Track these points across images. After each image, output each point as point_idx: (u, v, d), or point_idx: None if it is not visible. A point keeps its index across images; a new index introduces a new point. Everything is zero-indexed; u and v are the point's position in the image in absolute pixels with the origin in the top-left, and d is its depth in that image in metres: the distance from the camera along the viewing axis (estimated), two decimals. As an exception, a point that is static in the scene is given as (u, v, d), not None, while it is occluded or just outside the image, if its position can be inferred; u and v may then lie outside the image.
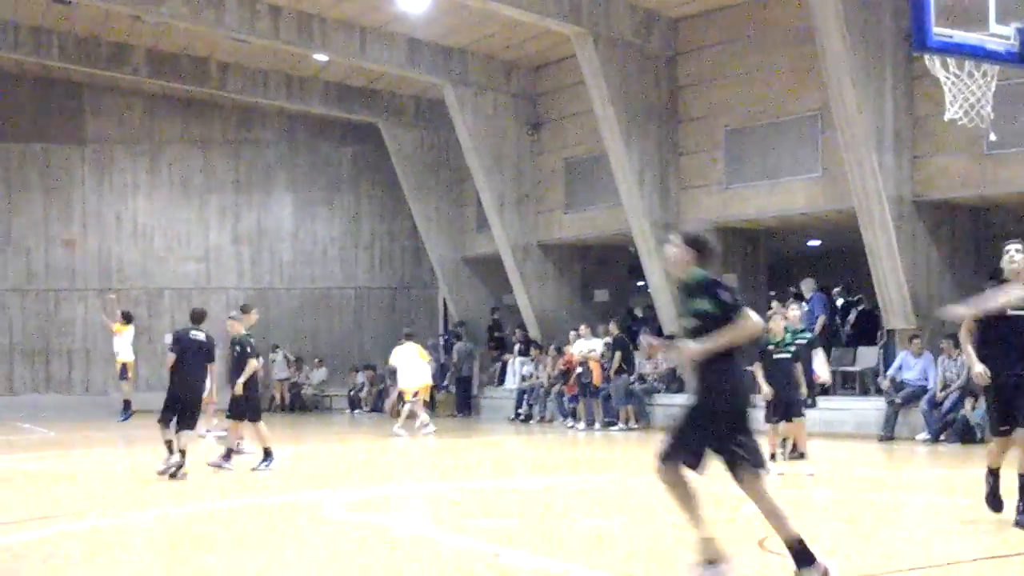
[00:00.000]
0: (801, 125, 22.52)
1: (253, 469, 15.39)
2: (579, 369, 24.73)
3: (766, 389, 14.22)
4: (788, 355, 14.46)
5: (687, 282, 7.24)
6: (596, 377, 24.49)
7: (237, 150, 34.99)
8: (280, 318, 34.94)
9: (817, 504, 11.94)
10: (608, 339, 25.10)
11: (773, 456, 14.19)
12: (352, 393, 32.96)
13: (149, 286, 34.38)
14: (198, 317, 15.71)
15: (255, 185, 35.21)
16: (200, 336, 15.22)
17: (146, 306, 34.27)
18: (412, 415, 22.97)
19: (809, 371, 15.35)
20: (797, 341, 14.86)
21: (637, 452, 18.95)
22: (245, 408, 15.71)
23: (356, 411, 32.32)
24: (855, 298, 24.78)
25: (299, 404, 33.80)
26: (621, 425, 23.98)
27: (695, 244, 7.32)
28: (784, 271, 27.90)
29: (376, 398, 31.92)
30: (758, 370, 14.31)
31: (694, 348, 6.96)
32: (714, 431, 6.92)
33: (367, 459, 18.54)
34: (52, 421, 28.46)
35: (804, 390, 14.77)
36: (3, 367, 33.35)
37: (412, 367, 23.03)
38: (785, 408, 14.34)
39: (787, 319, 15.05)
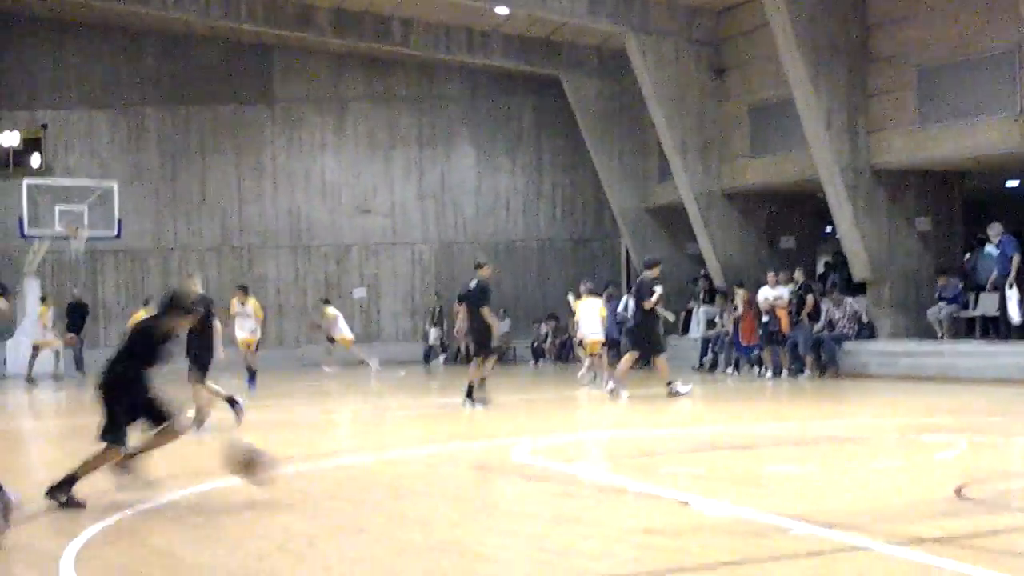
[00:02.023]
0: (997, 62, 21.52)
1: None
2: (766, 318, 24.26)
3: None
4: None
5: None
6: (783, 325, 24.01)
7: (420, 106, 35.30)
8: (464, 272, 35.20)
9: None
10: (795, 286, 24.56)
11: None
12: (535, 344, 33.08)
13: (337, 243, 35.05)
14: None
15: (438, 140, 35.50)
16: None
17: (335, 262, 35.01)
18: (595, 367, 23.03)
19: None
20: None
21: (822, 400, 18.52)
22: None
23: (540, 361, 32.43)
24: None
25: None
26: (808, 372, 23.48)
27: None
28: (981, 214, 26.79)
29: (559, 348, 31.98)
30: None
31: None
32: None
33: (552, 409, 18.56)
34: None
35: None
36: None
37: (590, 322, 22.87)
38: None
39: None
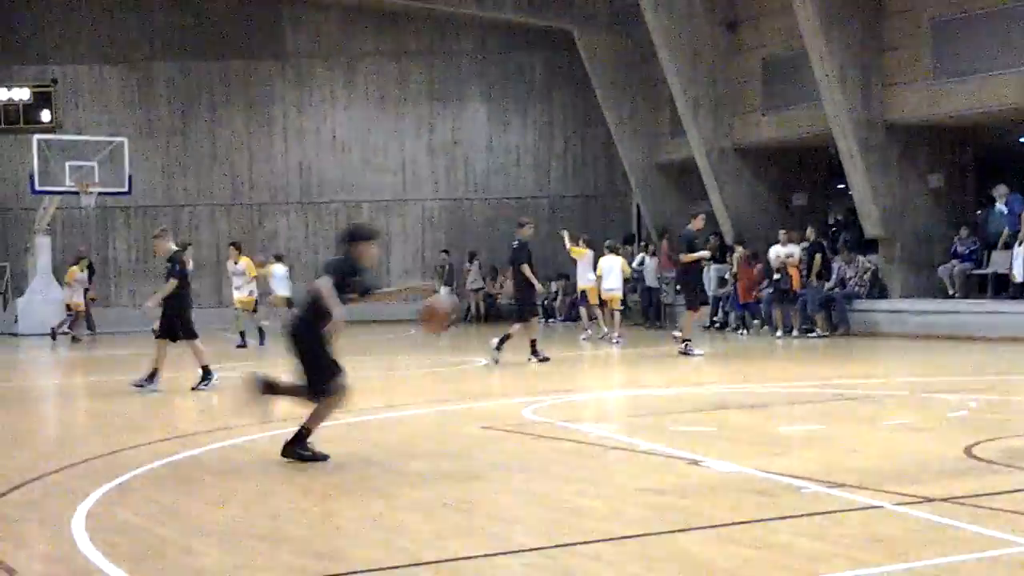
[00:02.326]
0: (1011, 16, 21.32)
1: (193, 388, 14.91)
2: (777, 275, 24.21)
3: None
4: None
5: None
6: (795, 283, 23.96)
7: (431, 61, 35.14)
8: (475, 228, 35.22)
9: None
10: (806, 244, 24.51)
11: None
12: (546, 302, 33.03)
13: (348, 199, 35.01)
14: None
15: (449, 96, 35.35)
16: None
17: (345, 218, 34.93)
18: (592, 318, 23.45)
19: None
20: None
21: (833, 359, 18.49)
22: (178, 327, 15.17)
23: (550, 320, 32.41)
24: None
25: (494, 314, 34.08)
26: (818, 331, 23.45)
27: None
28: (994, 170, 26.64)
29: (570, 307, 31.94)
30: None
31: None
32: None
33: (562, 368, 18.57)
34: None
35: None
36: (214, 280, 34.49)
37: (613, 278, 23.27)
38: None
39: None
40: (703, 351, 19.29)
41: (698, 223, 19.68)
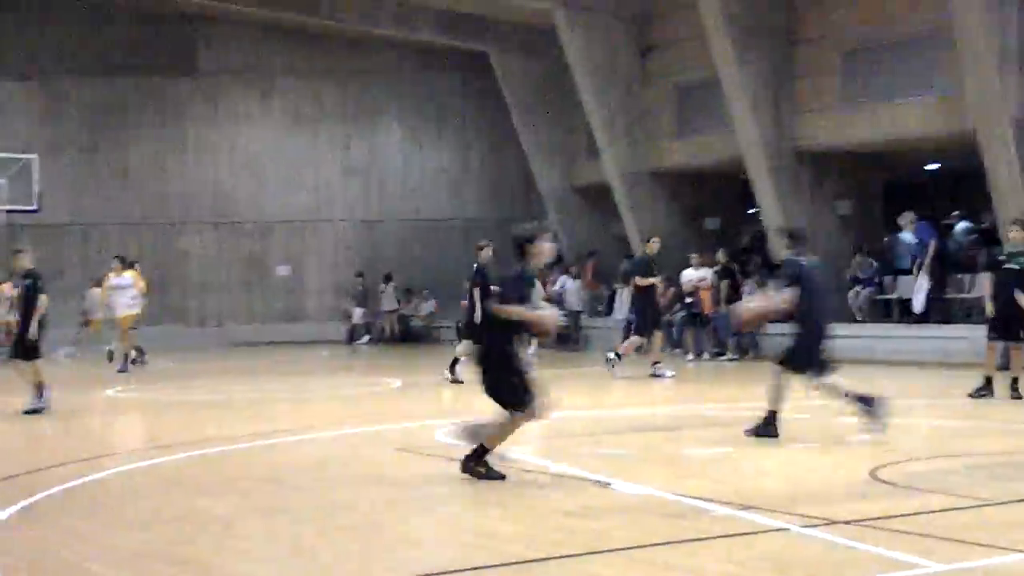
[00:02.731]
0: (919, 45, 21.79)
1: (26, 412, 14.44)
2: (688, 299, 24.43)
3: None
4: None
5: None
6: (706, 306, 24.19)
7: (346, 80, 34.98)
8: (389, 250, 35.09)
9: None
10: (717, 268, 24.77)
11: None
12: (460, 324, 32.96)
13: (260, 219, 34.69)
14: None
15: (364, 116, 35.21)
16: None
17: (259, 238, 34.66)
18: None
19: None
20: None
21: (744, 382, 18.67)
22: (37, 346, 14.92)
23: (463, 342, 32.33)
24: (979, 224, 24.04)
25: (409, 335, 33.98)
26: (729, 355, 23.69)
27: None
28: (904, 197, 27.14)
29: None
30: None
31: None
32: None
33: (475, 390, 18.52)
34: (170, 352, 29.00)
35: None
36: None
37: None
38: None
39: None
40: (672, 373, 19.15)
41: (652, 247, 19.66)
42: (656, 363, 19.12)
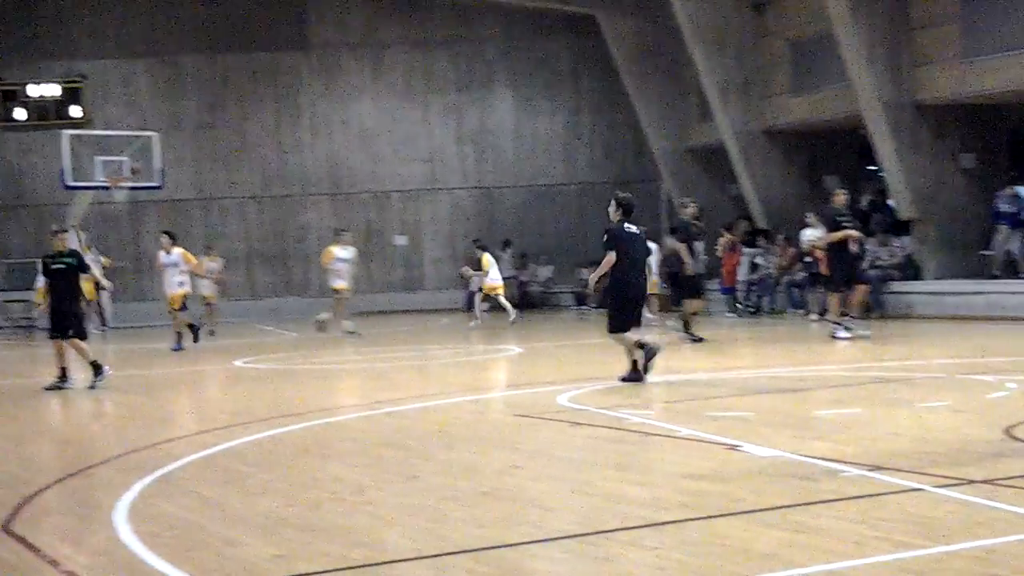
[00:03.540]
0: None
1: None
2: (808, 259, 24.07)
3: None
4: None
5: None
6: (824, 267, 23.77)
7: (457, 50, 35.10)
8: (504, 216, 35.20)
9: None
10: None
11: None
12: (578, 289, 32.96)
13: (377, 189, 35.04)
14: None
15: (476, 84, 35.32)
16: None
17: (375, 209, 35.03)
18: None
19: None
20: None
21: (868, 341, 18.36)
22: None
23: (582, 307, 32.34)
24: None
25: (526, 301, 34.05)
26: (852, 314, 23.29)
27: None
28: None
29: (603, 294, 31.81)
30: None
31: None
32: None
33: (596, 354, 18.55)
34: (293, 323, 29.51)
35: None
36: (244, 272, 34.62)
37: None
38: None
39: None
40: (850, 334, 18.33)
41: (839, 199, 19.05)
42: (835, 323, 18.60)
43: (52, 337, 15.01)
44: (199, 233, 33.23)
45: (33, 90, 33.22)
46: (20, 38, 33.34)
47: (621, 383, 12.73)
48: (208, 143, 34.47)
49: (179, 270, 21.46)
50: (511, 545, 5.95)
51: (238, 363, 18.49)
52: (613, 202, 13.47)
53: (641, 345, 12.70)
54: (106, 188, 29.90)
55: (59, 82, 33.25)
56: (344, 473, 8.22)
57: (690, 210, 19.70)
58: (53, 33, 33.73)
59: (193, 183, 34.34)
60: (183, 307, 21.67)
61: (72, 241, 30.44)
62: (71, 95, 33.40)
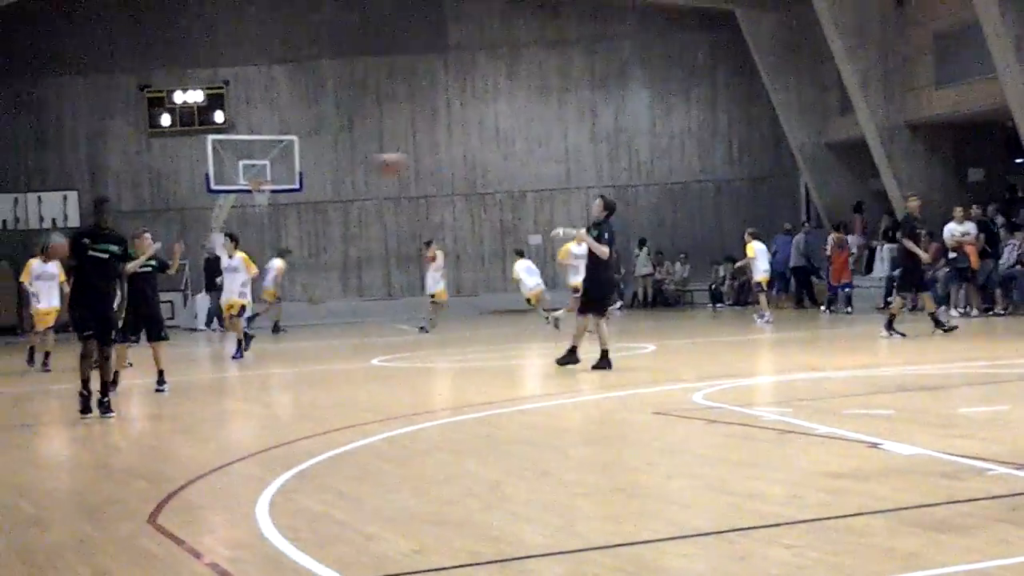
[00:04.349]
0: None
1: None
2: (953, 254, 23.46)
3: None
4: None
5: None
6: (973, 261, 23.18)
7: (592, 48, 35.04)
8: (640, 214, 35.03)
9: None
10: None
11: None
12: (713, 287, 32.66)
13: (512, 189, 35.17)
14: None
15: (611, 82, 35.21)
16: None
17: (510, 209, 35.16)
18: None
19: None
20: None
21: (1015, 338, 17.83)
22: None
23: (718, 305, 32.03)
24: None
25: (661, 299, 33.87)
26: (998, 310, 22.68)
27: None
28: None
29: (738, 292, 31.49)
30: None
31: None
32: None
33: (731, 352, 18.35)
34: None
35: None
36: (381, 272, 35.06)
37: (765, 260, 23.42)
38: None
39: None
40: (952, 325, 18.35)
41: (913, 205, 19.01)
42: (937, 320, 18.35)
43: (120, 341, 13.69)
44: (338, 234, 33.78)
45: (178, 97, 34.16)
46: (165, 47, 34.28)
47: (558, 364, 15.04)
48: (346, 146, 34.99)
49: (239, 276, 20.28)
50: (646, 542, 5.90)
51: (375, 361, 18.72)
52: (600, 200, 15.59)
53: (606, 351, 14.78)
54: (248, 191, 30.58)
55: (203, 88, 34.12)
56: (478, 469, 8.25)
57: (913, 204, 19.19)
58: (197, 41, 34.59)
59: (332, 185, 34.89)
60: (241, 313, 20.72)
61: (215, 244, 31.30)
62: (215, 101, 34.26)
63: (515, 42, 35.04)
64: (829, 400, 11.29)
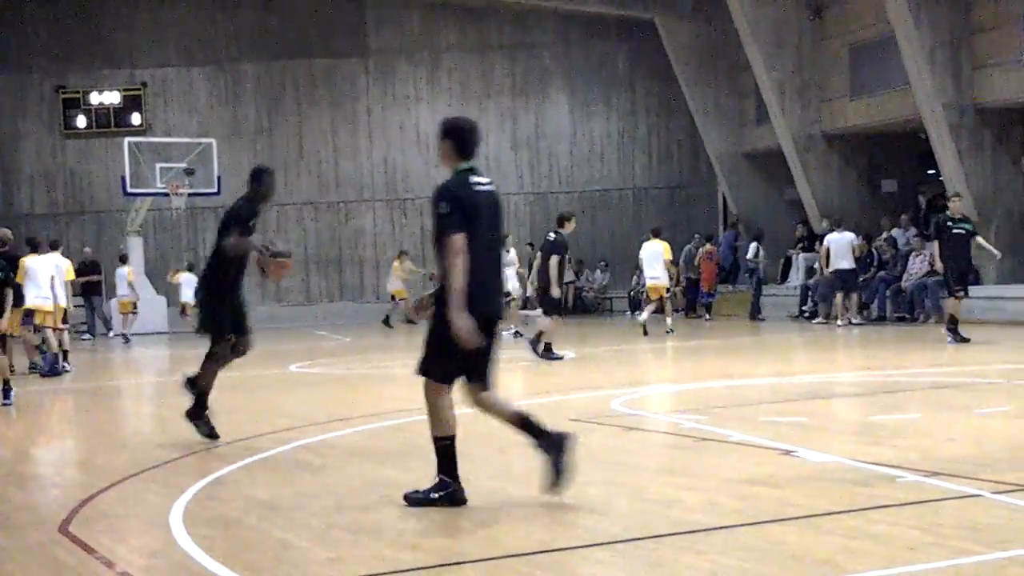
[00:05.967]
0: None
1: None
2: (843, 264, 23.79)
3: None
4: None
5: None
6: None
7: (513, 54, 35.13)
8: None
9: None
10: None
11: None
12: (632, 294, 32.84)
13: (432, 195, 35.06)
14: None
15: (532, 89, 35.32)
16: None
17: (431, 214, 35.03)
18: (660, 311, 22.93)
19: None
20: None
21: (925, 347, 18.16)
22: None
23: (636, 312, 32.15)
24: None
25: (581, 307, 34.01)
26: (917, 316, 23.13)
27: (454, 133, 6.98)
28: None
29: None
30: None
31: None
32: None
33: (648, 359, 18.48)
34: (347, 328, 29.63)
35: None
36: (299, 277, 34.84)
37: (653, 265, 22.77)
38: None
39: None
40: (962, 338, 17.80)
41: (955, 206, 18.48)
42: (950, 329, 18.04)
43: None
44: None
45: (94, 98, 33.68)
46: (82, 46, 33.78)
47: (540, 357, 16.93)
48: (266, 150, 34.71)
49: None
50: (563, 549, 5.93)
51: (294, 368, 18.59)
52: (558, 218, 18.26)
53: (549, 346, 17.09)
54: (165, 195, 30.23)
55: (120, 90, 33.67)
56: (398, 476, 8.20)
57: (956, 204, 18.59)
58: (115, 42, 34.14)
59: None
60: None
61: (136, 250, 30.88)
62: (132, 103, 33.83)
63: (436, 48, 35.02)
64: (744, 407, 11.41)
